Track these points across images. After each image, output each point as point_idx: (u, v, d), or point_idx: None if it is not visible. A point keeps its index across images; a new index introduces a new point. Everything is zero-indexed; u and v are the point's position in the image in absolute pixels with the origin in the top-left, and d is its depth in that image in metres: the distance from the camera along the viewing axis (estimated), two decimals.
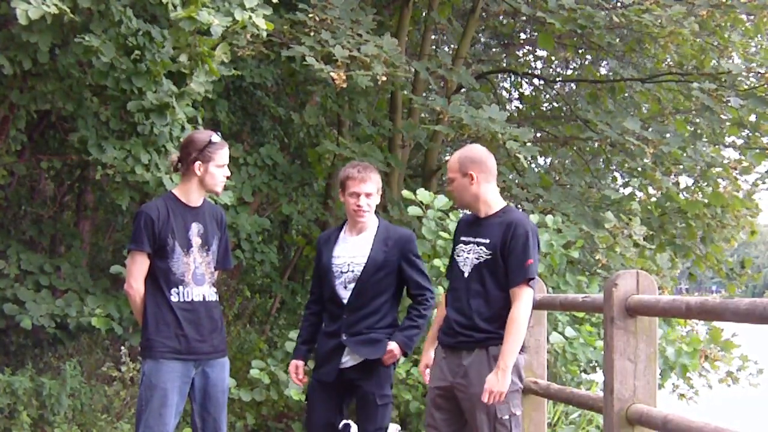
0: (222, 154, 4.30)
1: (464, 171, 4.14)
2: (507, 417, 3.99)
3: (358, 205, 4.44)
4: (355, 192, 4.44)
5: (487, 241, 4.08)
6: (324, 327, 4.58)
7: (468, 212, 4.37)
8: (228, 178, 4.40)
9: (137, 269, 4.24)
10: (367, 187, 4.44)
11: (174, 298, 4.22)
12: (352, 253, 4.49)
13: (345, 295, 4.45)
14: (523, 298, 3.99)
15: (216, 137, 4.32)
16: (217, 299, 4.41)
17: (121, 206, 7.16)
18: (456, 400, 4.12)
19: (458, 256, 4.19)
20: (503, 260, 4.04)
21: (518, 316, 3.97)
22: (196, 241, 4.29)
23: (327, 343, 4.51)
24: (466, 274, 4.12)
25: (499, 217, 4.13)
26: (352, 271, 4.45)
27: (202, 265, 4.30)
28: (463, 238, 4.22)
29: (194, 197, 4.33)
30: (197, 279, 4.28)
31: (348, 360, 4.45)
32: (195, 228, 4.30)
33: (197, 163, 4.26)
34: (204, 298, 4.30)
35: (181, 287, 4.24)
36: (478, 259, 4.09)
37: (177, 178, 6.36)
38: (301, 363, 4.62)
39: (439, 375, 4.19)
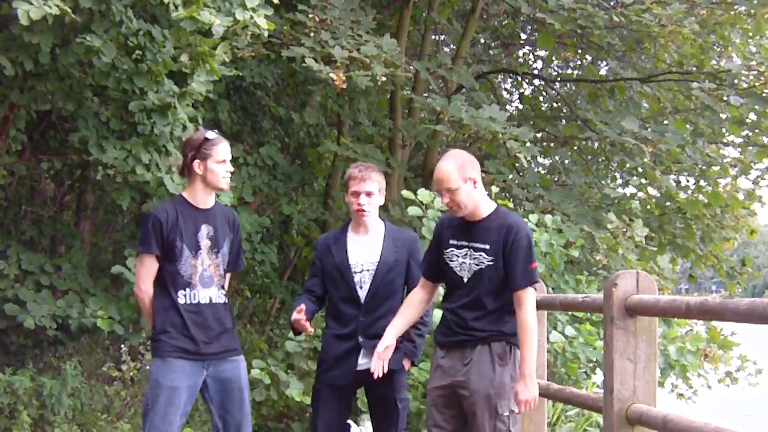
0: (220, 150, 4.27)
1: (465, 177, 4.01)
2: (507, 414, 3.99)
3: (359, 204, 4.47)
4: (356, 191, 4.48)
5: (487, 246, 4.00)
6: (332, 330, 4.54)
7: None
8: (231, 173, 4.38)
9: (146, 271, 4.25)
10: (367, 186, 4.47)
11: (181, 300, 4.23)
12: (364, 253, 4.52)
13: (362, 295, 4.47)
14: (529, 301, 3.97)
15: (212, 134, 4.31)
16: (226, 301, 4.38)
17: (122, 206, 7.14)
18: (457, 398, 4.10)
19: (451, 261, 4.09)
20: (504, 264, 3.98)
21: (528, 319, 3.95)
22: (205, 243, 4.28)
23: (338, 345, 4.49)
24: (465, 279, 4.05)
25: (494, 220, 4.05)
26: (367, 270, 4.48)
27: (210, 267, 4.29)
28: (453, 242, 4.10)
29: (201, 198, 4.32)
30: (204, 281, 4.27)
31: (366, 362, 4.42)
32: (204, 230, 4.29)
33: (196, 162, 4.26)
34: (211, 300, 4.29)
35: (188, 289, 4.23)
36: (478, 265, 4.02)
37: (177, 178, 6.39)
38: (304, 307, 4.40)
39: (438, 375, 4.17)
